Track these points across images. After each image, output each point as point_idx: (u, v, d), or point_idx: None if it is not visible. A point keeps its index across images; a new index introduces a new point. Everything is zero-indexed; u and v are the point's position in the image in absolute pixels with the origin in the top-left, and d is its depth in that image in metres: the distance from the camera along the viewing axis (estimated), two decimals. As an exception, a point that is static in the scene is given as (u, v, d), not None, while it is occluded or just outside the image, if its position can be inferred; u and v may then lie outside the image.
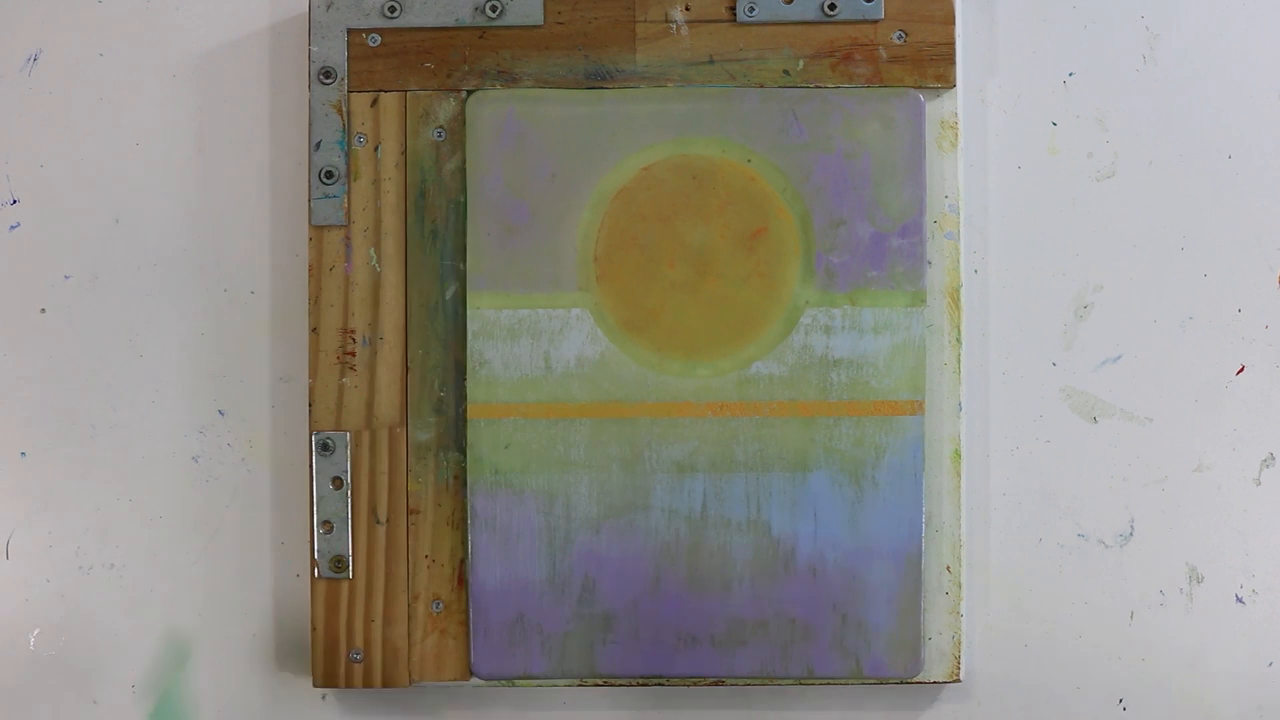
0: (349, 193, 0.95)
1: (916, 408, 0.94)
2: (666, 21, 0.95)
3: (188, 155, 0.99)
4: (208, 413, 0.99)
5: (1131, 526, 0.98)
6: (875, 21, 0.94)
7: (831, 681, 0.95)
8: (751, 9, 0.94)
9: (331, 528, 0.95)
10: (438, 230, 0.95)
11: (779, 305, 0.94)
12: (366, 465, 0.95)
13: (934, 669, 0.95)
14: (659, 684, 0.95)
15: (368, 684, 0.95)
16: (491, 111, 0.95)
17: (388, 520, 0.95)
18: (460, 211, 0.95)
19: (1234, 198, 0.98)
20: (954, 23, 0.94)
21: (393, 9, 0.95)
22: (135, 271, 0.99)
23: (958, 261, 0.95)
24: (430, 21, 0.95)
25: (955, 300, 0.95)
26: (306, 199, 0.97)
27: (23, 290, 0.99)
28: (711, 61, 0.95)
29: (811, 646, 0.94)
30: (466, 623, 0.95)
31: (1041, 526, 0.98)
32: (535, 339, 0.95)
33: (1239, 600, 0.98)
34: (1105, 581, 0.98)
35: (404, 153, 0.95)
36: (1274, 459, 0.98)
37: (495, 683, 0.95)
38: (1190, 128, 0.98)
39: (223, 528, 0.99)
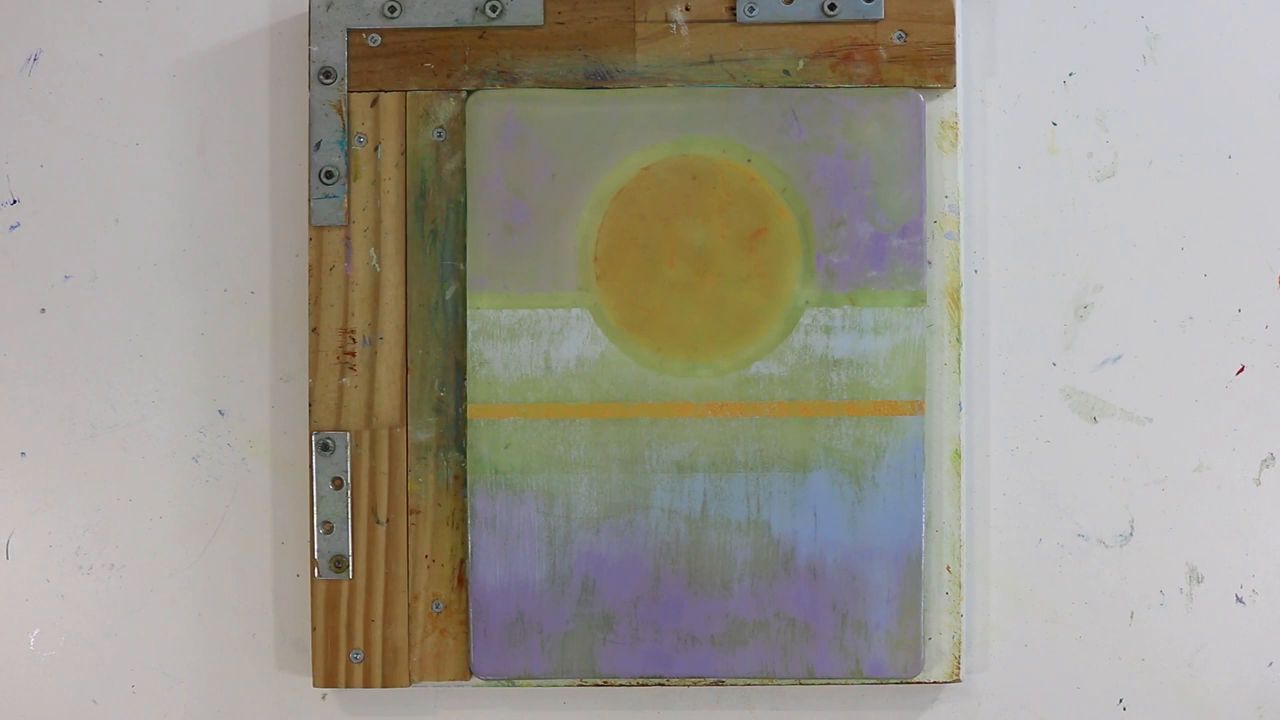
0: (349, 193, 0.95)
1: (916, 408, 0.94)
2: (666, 21, 0.95)
3: (188, 155, 0.99)
4: (208, 413, 0.99)
5: (1131, 526, 0.98)
6: (875, 21, 0.94)
7: (831, 681, 0.95)
8: (751, 9, 0.94)
9: (331, 528, 0.95)
10: (438, 230, 0.95)
11: (779, 305, 0.94)
12: (366, 465, 0.95)
13: (934, 669, 0.95)
14: (659, 684, 0.95)
15: (368, 684, 0.95)
16: (491, 111, 0.95)
17: (388, 520, 0.95)
18: (460, 211, 0.95)
19: (1234, 198, 0.98)
20: (954, 23, 0.94)
21: (393, 9, 0.95)
22: (135, 271, 0.99)
23: (958, 261, 0.95)
24: (430, 21, 0.95)
25: (955, 300, 0.95)
26: (306, 199, 0.97)
27: (23, 290, 0.99)
28: (711, 61, 0.95)
29: (811, 646, 0.94)
30: (466, 623, 0.95)
31: (1041, 526, 0.98)
32: (535, 339, 0.95)
33: (1239, 600, 0.98)
34: (1105, 581, 0.98)
35: (404, 153, 0.95)
36: (1274, 459, 0.98)
37: (495, 683, 0.95)
38: (1190, 128, 0.98)
39: (223, 528, 0.99)
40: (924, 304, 0.94)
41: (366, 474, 0.95)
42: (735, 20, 0.95)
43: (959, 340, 0.95)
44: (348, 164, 0.95)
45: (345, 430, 0.95)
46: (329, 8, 0.95)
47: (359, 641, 0.95)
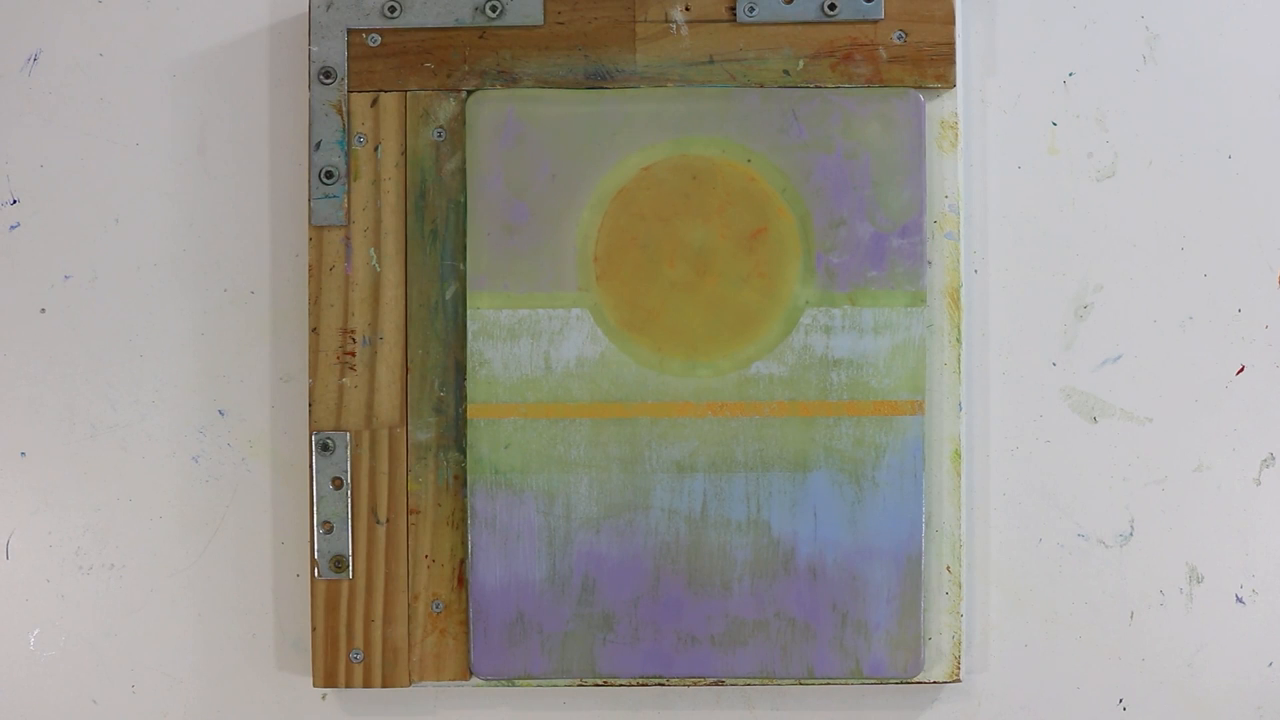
0: (349, 193, 0.95)
1: (916, 408, 0.94)
2: (666, 21, 0.95)
3: (188, 155, 0.99)
4: (208, 413, 0.99)
5: (1131, 526, 0.98)
6: (875, 21, 0.94)
7: (831, 681, 0.95)
8: (751, 9, 0.94)
9: (331, 528, 0.95)
10: (438, 230, 0.95)
11: (779, 305, 0.94)
12: (366, 465, 0.95)
13: (934, 669, 0.95)
14: (659, 684, 0.95)
15: (368, 684, 0.95)
16: (491, 111, 0.95)
17: (388, 520, 0.95)
18: (460, 211, 0.95)
19: (1234, 198, 0.98)
20: (954, 23, 0.94)
21: (393, 9, 0.95)
22: (135, 271, 0.99)
23: (958, 261, 0.95)
24: (430, 21, 0.95)
25: (955, 300, 0.95)
26: (306, 199, 0.97)
27: (23, 290, 0.99)
28: (711, 61, 0.95)
29: (811, 646, 0.94)
30: (466, 623, 0.95)
31: (1041, 526, 0.98)
32: (535, 339, 0.95)
33: (1239, 600, 0.98)
34: (1105, 581, 0.98)
35: (404, 153, 0.95)
36: (1274, 459, 0.98)
37: (495, 683, 0.95)
38: (1190, 128, 0.98)
39: (223, 528, 0.99)
40: (924, 304, 0.94)
41: (366, 474, 0.95)
42: (735, 20, 0.95)
43: (959, 340, 0.95)
44: (348, 164, 0.95)
45: (345, 430, 0.95)
46: (329, 8, 0.95)
47: (359, 641, 0.95)
